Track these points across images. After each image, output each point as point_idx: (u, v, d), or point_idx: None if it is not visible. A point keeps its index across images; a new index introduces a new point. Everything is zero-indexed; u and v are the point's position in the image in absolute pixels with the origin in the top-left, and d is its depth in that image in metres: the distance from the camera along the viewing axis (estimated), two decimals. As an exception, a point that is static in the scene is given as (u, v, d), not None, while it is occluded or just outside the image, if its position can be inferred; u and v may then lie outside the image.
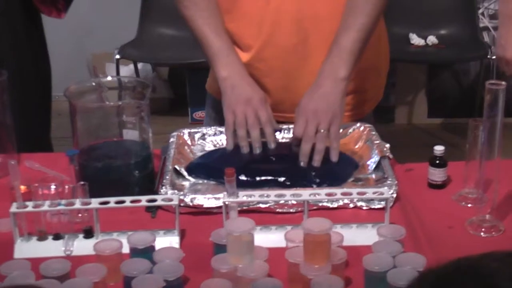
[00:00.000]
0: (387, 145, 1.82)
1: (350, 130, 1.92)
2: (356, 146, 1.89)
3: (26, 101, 2.54)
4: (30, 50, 2.56)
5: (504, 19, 2.26)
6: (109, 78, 1.86)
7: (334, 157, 1.80)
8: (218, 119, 2.04)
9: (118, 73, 4.11)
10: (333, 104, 1.81)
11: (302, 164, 1.79)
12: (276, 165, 1.81)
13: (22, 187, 1.58)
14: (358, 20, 1.84)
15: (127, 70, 4.49)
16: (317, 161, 1.79)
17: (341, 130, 1.87)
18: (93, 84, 1.81)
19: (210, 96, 2.14)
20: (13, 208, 1.52)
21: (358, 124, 1.94)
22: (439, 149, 1.74)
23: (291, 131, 1.90)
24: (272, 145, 1.86)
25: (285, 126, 1.94)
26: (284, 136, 1.93)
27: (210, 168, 1.79)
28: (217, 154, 1.87)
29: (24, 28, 2.53)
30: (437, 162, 1.74)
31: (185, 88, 4.46)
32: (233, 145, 1.86)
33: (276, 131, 1.90)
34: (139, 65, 4.57)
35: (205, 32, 1.92)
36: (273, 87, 1.98)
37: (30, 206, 1.52)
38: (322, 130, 1.80)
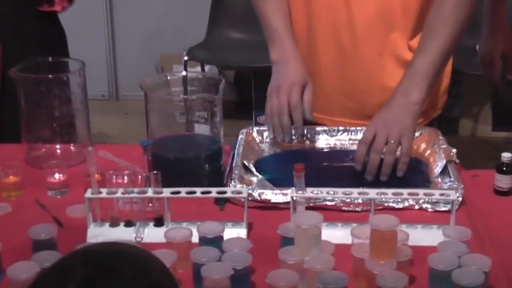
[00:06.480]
0: (454, 150, 1.82)
1: (417, 134, 1.92)
2: (423, 150, 1.90)
3: None
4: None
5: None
6: (183, 73, 1.90)
7: (400, 172, 1.73)
8: None
9: (185, 74, 4.17)
10: (404, 120, 1.76)
11: (368, 177, 1.72)
12: (347, 176, 1.77)
13: (96, 175, 1.61)
14: (435, 43, 1.81)
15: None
16: (384, 175, 1.72)
17: None
18: (169, 78, 1.86)
19: None
20: (88, 194, 1.57)
21: (425, 129, 1.94)
22: (506, 155, 1.74)
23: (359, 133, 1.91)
24: (299, 131, 1.85)
25: (352, 128, 1.95)
26: (351, 137, 1.94)
27: (277, 168, 1.82)
28: (286, 157, 1.88)
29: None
30: (504, 169, 1.74)
31: (250, 92, 4.49)
32: (272, 134, 1.86)
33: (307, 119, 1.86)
34: (206, 68, 4.62)
35: (266, 12, 1.92)
36: (324, 87, 1.97)
37: (104, 192, 1.57)
38: (392, 141, 1.73)
